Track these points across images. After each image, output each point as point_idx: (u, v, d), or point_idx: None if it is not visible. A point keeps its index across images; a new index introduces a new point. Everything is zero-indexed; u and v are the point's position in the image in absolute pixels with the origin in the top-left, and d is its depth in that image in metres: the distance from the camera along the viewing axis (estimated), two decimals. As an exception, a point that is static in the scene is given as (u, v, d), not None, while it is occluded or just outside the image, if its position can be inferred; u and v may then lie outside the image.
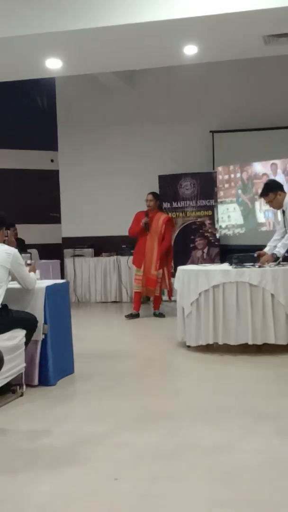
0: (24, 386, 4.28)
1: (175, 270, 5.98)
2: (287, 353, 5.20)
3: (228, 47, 6.20)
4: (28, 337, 4.31)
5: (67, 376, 4.74)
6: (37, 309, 4.48)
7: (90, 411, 3.92)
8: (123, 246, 9.44)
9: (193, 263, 8.73)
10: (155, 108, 9.77)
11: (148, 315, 7.91)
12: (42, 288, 4.52)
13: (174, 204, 9.31)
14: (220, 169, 9.02)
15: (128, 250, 9.11)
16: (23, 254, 4.81)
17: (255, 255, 5.54)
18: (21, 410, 3.99)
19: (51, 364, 4.50)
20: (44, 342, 4.49)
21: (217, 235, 9.12)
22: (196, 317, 5.42)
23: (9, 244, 4.50)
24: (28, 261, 5.05)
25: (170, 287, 7.82)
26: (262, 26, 5.55)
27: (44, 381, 4.48)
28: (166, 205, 9.19)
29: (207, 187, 9.19)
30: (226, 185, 9.00)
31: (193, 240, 9.23)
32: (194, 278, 5.43)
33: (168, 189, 9.32)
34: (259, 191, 6.03)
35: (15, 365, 4.07)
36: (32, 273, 4.59)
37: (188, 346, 5.56)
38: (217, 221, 9.08)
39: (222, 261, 7.79)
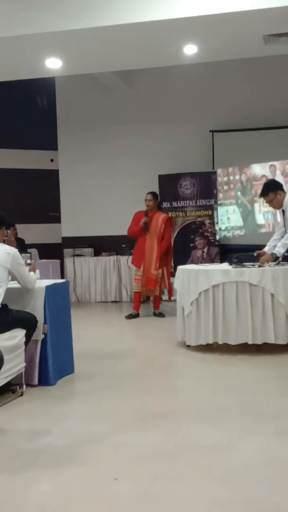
0: (24, 386, 4.28)
1: (175, 269, 5.98)
2: (287, 353, 5.20)
3: (228, 46, 6.20)
4: (28, 336, 4.31)
5: (67, 376, 4.74)
6: (37, 308, 4.48)
7: (90, 411, 3.92)
8: (123, 245, 9.43)
9: (193, 262, 8.73)
10: (155, 107, 9.76)
11: (148, 314, 7.91)
12: (42, 288, 4.53)
13: (174, 204, 9.31)
14: (219, 171, 9.01)
15: (128, 250, 9.08)
16: (23, 254, 4.81)
17: (255, 254, 5.54)
18: (21, 410, 3.99)
19: (51, 364, 4.49)
20: (44, 341, 4.49)
21: (217, 237, 9.12)
22: (196, 317, 5.42)
23: (9, 243, 4.49)
24: (28, 261, 5.04)
25: (169, 286, 7.82)
26: (262, 26, 5.56)
27: (44, 381, 4.47)
28: (166, 204, 9.19)
29: (207, 187, 9.17)
30: (225, 187, 8.99)
31: (193, 240, 9.23)
32: (194, 277, 5.43)
33: (168, 188, 9.31)
34: (258, 192, 6.03)
35: (15, 365, 4.08)
36: (32, 273, 4.59)
37: (188, 346, 5.56)
38: (217, 222, 9.08)
39: (222, 260, 7.79)
